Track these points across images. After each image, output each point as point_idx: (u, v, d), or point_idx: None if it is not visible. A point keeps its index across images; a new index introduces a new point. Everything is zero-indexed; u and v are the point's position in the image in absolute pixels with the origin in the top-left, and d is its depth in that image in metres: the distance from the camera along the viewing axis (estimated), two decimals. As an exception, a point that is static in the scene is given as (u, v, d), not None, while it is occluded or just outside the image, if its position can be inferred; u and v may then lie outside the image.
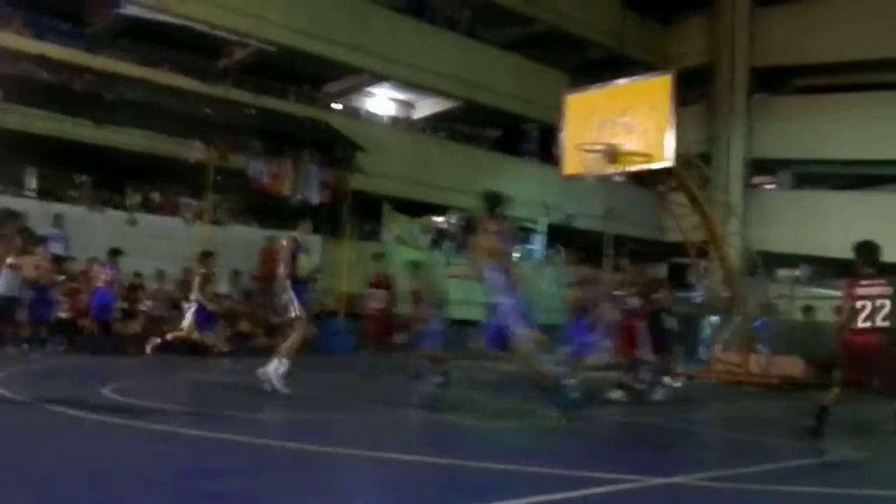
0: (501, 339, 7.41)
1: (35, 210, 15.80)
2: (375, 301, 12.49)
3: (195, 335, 13.57)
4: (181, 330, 13.48)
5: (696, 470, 5.91)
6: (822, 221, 25.27)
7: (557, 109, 16.62)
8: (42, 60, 16.82)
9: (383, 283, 12.56)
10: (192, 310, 13.37)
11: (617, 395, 10.34)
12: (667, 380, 13.40)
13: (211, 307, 13.93)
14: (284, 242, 9.24)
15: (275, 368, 8.69)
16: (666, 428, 9.06)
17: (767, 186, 29.72)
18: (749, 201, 27.04)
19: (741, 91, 27.94)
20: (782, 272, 22.33)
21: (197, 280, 13.40)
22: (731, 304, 16.97)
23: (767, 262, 19.36)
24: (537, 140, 27.13)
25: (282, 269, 9.01)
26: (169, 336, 13.54)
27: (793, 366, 15.42)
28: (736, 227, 19.75)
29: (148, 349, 13.30)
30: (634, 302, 11.36)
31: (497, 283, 7.19)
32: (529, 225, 24.78)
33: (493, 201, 7.54)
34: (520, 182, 25.02)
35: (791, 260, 24.07)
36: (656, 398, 10.58)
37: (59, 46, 17.73)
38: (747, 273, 18.13)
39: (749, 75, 27.87)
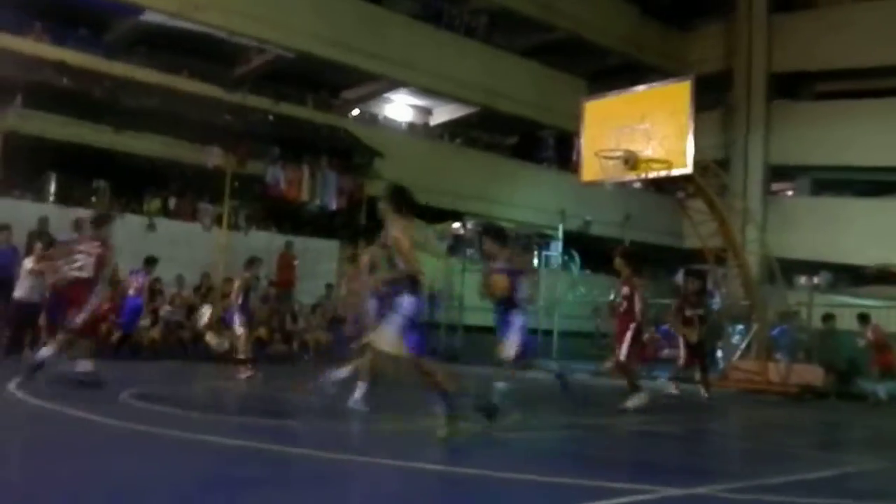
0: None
1: (55, 215, 15.94)
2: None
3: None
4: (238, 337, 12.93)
5: (716, 481, 5.85)
6: (841, 228, 25.08)
7: (575, 116, 16.61)
8: (61, 67, 16.97)
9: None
10: (235, 314, 12.83)
11: (633, 402, 10.15)
12: (673, 388, 13.43)
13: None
14: (366, 258, 9.00)
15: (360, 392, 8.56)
16: (683, 437, 9.00)
17: (787, 193, 29.54)
18: (768, 208, 26.88)
19: (760, 97, 27.79)
20: (802, 279, 22.16)
21: (237, 284, 13.11)
22: (749, 312, 16.85)
23: (786, 270, 19.22)
24: (554, 147, 27.11)
25: (366, 285, 8.72)
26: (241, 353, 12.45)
27: (812, 374, 15.27)
28: (754, 234, 19.64)
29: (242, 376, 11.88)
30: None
31: (398, 283, 6.65)
32: (547, 231, 24.75)
33: (400, 197, 6.91)
34: (537, 189, 25.06)
35: (810, 267, 23.89)
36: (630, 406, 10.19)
37: (79, 53, 17.88)
38: (766, 280, 17.99)
39: (767, 81, 27.72)
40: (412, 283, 6.57)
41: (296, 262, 18.54)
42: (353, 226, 20.41)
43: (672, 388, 13.39)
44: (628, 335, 10.13)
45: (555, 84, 25.84)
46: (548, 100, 25.01)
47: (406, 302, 6.51)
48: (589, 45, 26.96)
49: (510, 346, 8.38)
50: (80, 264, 9.10)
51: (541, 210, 23.89)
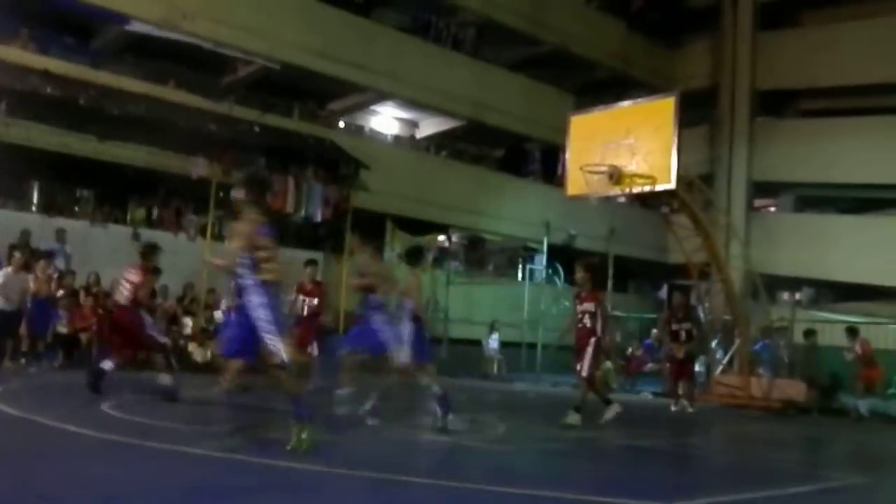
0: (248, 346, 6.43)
1: (38, 224, 15.84)
2: (307, 309, 12.06)
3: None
4: None
5: (699, 495, 5.85)
6: (825, 245, 25.27)
7: (562, 129, 16.68)
8: (46, 75, 16.87)
9: (315, 290, 12.25)
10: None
11: (609, 414, 10.05)
12: (674, 406, 13.52)
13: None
14: (412, 278, 8.73)
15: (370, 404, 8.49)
16: (667, 451, 9.01)
17: (770, 209, 29.75)
18: (751, 224, 27.03)
19: (744, 113, 28.00)
20: (784, 295, 22.30)
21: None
22: (732, 327, 16.93)
23: (769, 285, 19.33)
24: (540, 160, 27.19)
25: (412, 303, 8.52)
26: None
27: (795, 389, 15.36)
28: (738, 250, 19.75)
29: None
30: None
31: (246, 278, 6.21)
32: (531, 244, 24.79)
33: (256, 186, 6.59)
34: (522, 201, 25.11)
35: (793, 283, 24.04)
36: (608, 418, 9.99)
37: (64, 61, 17.77)
38: (749, 295, 18.09)
39: (752, 98, 27.94)
40: (263, 285, 6.17)
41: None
42: (339, 237, 20.36)
43: (673, 406, 13.50)
44: (590, 350, 9.81)
45: (542, 97, 25.95)
46: (535, 113, 25.10)
47: (259, 304, 6.10)
48: (576, 58, 27.11)
49: (401, 354, 8.19)
50: (127, 292, 9.67)
51: (526, 223, 23.93)
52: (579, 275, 10.29)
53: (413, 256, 9.09)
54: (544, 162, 26.75)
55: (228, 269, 6.56)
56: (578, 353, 10.03)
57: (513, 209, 24.80)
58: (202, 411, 9.30)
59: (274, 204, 19.56)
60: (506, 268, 27.32)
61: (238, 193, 6.48)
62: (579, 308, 10.13)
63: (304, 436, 6.10)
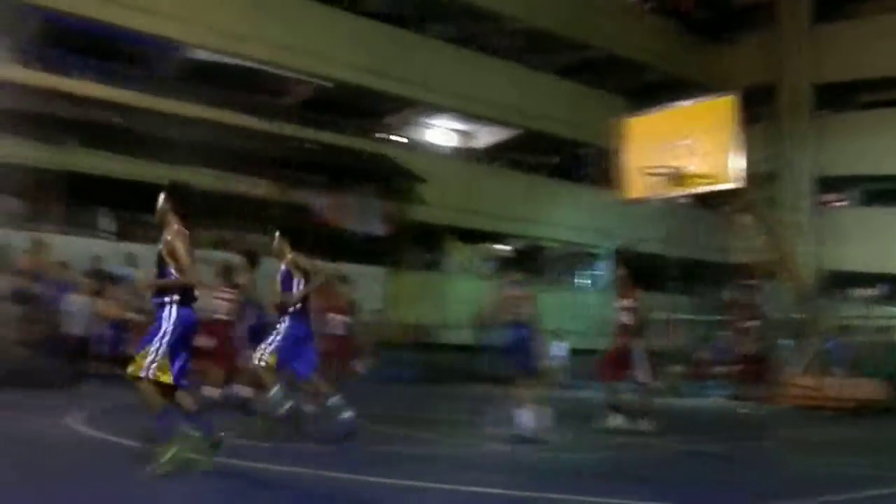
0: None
1: (109, 250, 16.30)
2: (336, 327, 11.90)
3: None
4: None
5: (775, 500, 5.74)
6: (893, 239, 24.55)
7: (614, 134, 16.58)
8: (112, 105, 17.40)
9: (344, 308, 12.13)
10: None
11: (617, 421, 9.72)
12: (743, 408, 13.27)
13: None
14: (519, 293, 8.88)
15: (529, 418, 8.51)
16: (735, 456, 8.84)
17: (837, 204, 29.02)
18: (818, 220, 26.41)
19: (804, 108, 27.45)
20: (856, 292, 21.73)
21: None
22: (801, 326, 16.55)
23: (840, 282, 18.88)
24: (594, 165, 27.02)
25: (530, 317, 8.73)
26: None
27: (870, 388, 14.91)
28: (805, 247, 19.35)
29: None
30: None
31: (164, 290, 5.86)
32: (591, 250, 24.64)
33: (179, 195, 6.15)
34: (578, 208, 24.99)
35: (865, 279, 23.40)
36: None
37: (128, 91, 18.32)
38: (818, 293, 17.68)
39: (812, 92, 27.40)
40: (184, 293, 5.84)
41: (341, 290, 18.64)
42: (397, 251, 20.54)
43: (744, 409, 13.26)
44: (643, 354, 9.62)
45: (592, 102, 25.80)
46: (586, 118, 24.93)
47: (173, 315, 5.75)
48: (625, 61, 26.91)
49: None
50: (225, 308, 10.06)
51: (582, 229, 23.82)
52: (617, 272, 10.15)
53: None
54: (598, 167, 26.56)
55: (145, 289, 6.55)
56: (617, 354, 9.84)
57: (569, 216, 24.69)
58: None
59: (332, 220, 19.86)
60: (565, 275, 27.18)
61: (162, 203, 6.03)
62: (617, 305, 9.98)
63: (170, 455, 5.57)
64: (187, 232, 5.95)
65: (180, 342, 5.76)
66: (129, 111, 17.61)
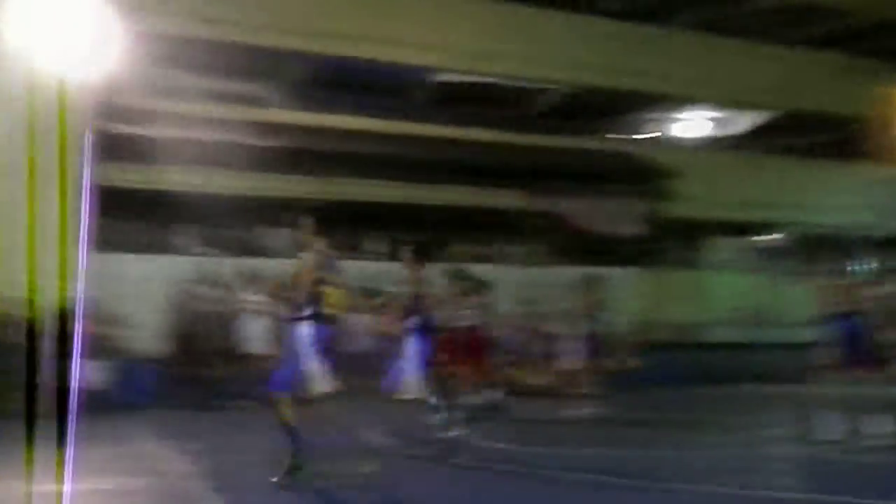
0: None
1: (375, 270, 17.45)
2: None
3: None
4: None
5: None
6: None
7: (886, 104, 15.12)
8: (374, 135, 18.71)
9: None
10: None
11: None
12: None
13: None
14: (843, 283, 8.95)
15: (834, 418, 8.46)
16: None
17: None
18: None
19: None
20: None
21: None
22: None
23: None
24: (865, 140, 24.71)
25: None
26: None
27: None
28: None
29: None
30: None
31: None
32: (870, 233, 22.61)
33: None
34: (852, 188, 22.97)
35: None
36: None
37: (386, 121, 19.58)
38: None
39: None
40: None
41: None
42: (656, 250, 20.13)
43: None
44: None
45: (858, 73, 23.62)
46: (853, 91, 22.93)
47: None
48: (890, 26, 24.34)
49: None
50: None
51: (860, 210, 21.93)
52: None
53: None
54: (870, 141, 24.28)
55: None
56: None
57: (843, 197, 22.81)
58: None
59: (585, 225, 19.88)
60: (841, 262, 25.05)
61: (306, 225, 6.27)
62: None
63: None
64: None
65: None
66: (387, 139, 18.82)
